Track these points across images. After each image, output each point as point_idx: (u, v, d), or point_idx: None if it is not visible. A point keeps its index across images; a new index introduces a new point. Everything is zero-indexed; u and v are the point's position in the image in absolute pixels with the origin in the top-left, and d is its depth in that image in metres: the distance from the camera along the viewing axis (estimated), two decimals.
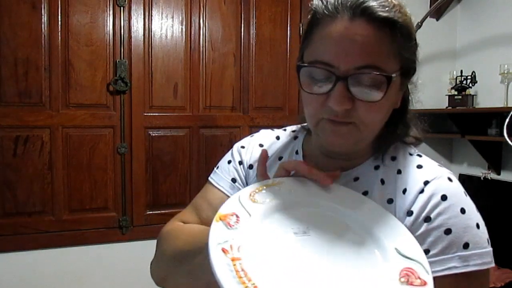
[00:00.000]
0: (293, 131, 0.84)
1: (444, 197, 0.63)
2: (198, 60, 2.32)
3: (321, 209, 0.61)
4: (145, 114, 2.23)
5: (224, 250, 0.49)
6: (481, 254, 0.61)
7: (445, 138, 2.89)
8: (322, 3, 0.63)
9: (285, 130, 0.85)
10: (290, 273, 0.51)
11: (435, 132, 2.65)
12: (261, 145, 0.82)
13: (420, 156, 0.72)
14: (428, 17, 2.66)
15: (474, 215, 0.64)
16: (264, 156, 0.66)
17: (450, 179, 0.66)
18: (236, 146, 0.83)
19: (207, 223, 0.74)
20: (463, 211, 0.63)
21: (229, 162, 0.82)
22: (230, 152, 0.84)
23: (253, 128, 2.41)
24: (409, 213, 0.65)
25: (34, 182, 2.05)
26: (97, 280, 2.18)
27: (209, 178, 0.82)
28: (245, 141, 0.84)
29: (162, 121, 2.27)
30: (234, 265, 0.48)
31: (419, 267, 0.57)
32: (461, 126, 2.62)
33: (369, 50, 0.60)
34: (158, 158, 2.27)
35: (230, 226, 0.52)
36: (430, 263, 0.56)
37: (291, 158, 0.78)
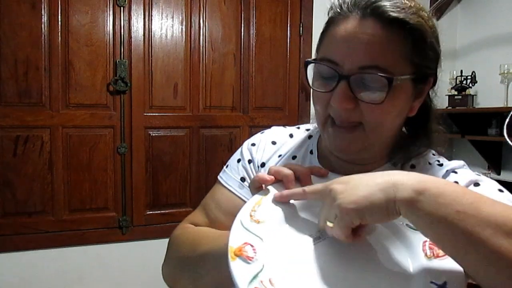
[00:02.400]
0: (307, 130, 0.81)
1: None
2: (198, 60, 2.32)
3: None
4: (145, 114, 2.23)
5: None
6: None
7: None
8: (338, 2, 0.64)
9: (298, 128, 0.82)
10: (333, 282, 0.50)
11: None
12: (273, 143, 0.78)
13: (440, 165, 0.70)
14: None
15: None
16: (268, 179, 0.60)
17: (477, 184, 0.65)
18: (246, 143, 0.80)
19: (215, 223, 0.73)
20: (501, 191, 0.62)
21: (239, 160, 0.78)
22: (239, 150, 0.80)
23: (253, 128, 2.40)
24: None
25: (34, 182, 2.05)
26: (97, 280, 2.18)
27: (218, 177, 0.79)
28: (255, 139, 0.80)
29: (162, 121, 2.27)
30: None
31: None
32: (461, 126, 2.62)
33: (374, 50, 0.59)
34: (158, 158, 2.27)
35: (250, 260, 0.48)
36: None
37: (306, 158, 0.75)
